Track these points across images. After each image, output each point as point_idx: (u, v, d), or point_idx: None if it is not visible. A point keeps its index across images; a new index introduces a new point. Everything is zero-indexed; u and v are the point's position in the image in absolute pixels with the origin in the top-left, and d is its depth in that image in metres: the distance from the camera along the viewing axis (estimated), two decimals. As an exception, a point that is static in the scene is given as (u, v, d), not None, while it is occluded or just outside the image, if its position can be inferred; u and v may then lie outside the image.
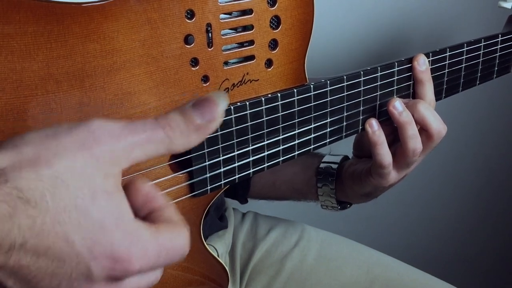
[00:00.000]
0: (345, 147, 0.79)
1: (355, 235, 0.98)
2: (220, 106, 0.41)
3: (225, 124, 0.56)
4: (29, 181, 0.36)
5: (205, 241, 0.62)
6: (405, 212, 1.47)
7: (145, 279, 0.41)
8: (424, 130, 0.69)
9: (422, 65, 0.69)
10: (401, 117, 0.67)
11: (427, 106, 0.68)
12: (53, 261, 0.37)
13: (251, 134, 0.59)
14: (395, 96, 0.69)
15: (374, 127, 0.67)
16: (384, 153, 0.68)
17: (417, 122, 0.68)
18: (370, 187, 0.74)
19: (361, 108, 0.67)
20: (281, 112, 0.60)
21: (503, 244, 1.64)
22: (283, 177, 0.87)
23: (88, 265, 0.37)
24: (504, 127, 1.43)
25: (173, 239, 0.41)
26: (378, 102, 0.68)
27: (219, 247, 0.81)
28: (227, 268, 0.65)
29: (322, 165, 0.82)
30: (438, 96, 0.75)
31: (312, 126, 0.64)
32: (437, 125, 0.69)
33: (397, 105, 0.67)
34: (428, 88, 0.71)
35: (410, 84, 0.72)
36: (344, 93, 0.65)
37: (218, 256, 0.75)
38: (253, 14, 0.56)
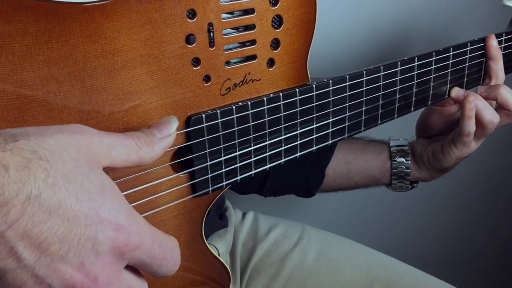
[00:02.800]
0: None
1: (355, 235, 0.98)
2: (172, 124, 0.49)
3: (226, 124, 0.56)
4: (38, 141, 0.39)
5: (206, 240, 0.61)
6: (405, 212, 1.47)
7: (149, 267, 0.43)
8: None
9: (496, 43, 0.78)
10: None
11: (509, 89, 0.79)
12: (63, 221, 0.37)
13: (253, 134, 0.59)
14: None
15: (471, 103, 0.76)
16: (472, 124, 0.76)
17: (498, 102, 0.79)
18: (452, 159, 0.82)
19: (364, 108, 0.67)
20: (283, 112, 0.60)
21: (503, 244, 1.64)
22: (356, 166, 0.91)
23: (95, 230, 0.39)
24: (504, 127, 1.42)
25: (166, 236, 0.44)
26: (380, 102, 0.68)
27: (220, 246, 0.81)
28: (228, 268, 0.65)
29: (393, 149, 0.88)
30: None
31: (315, 126, 0.63)
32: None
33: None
34: (500, 65, 0.81)
35: (413, 84, 0.71)
36: (346, 92, 0.64)
37: (219, 255, 0.75)
38: (255, 13, 0.56)
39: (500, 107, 0.80)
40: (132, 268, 0.43)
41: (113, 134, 0.44)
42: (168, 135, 0.48)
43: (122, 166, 0.44)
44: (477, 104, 0.76)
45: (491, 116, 0.77)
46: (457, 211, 1.57)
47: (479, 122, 0.77)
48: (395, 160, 0.88)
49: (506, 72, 0.84)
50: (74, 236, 0.38)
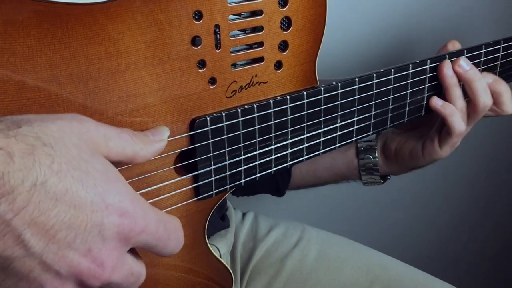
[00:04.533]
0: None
1: (355, 235, 0.97)
2: (165, 132, 0.50)
3: (232, 127, 0.55)
4: (41, 128, 0.39)
5: (208, 240, 0.61)
6: (405, 212, 1.47)
7: (154, 248, 0.44)
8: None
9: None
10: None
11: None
12: (70, 208, 0.37)
13: (258, 138, 0.58)
14: (447, 60, 0.72)
15: (439, 101, 0.72)
16: (459, 120, 0.73)
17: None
18: (431, 160, 0.79)
19: (373, 112, 0.66)
20: (290, 115, 0.59)
21: (503, 244, 1.64)
22: (323, 165, 0.90)
23: (101, 215, 0.39)
24: (504, 127, 1.42)
25: (169, 216, 0.45)
26: (390, 106, 0.67)
27: (221, 247, 0.81)
28: (231, 271, 0.64)
29: (360, 145, 0.86)
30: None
31: (322, 130, 0.62)
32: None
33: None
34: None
35: (424, 87, 0.70)
36: (355, 96, 0.63)
37: (220, 256, 0.75)
38: (263, 15, 0.55)
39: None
40: (131, 250, 0.44)
41: (108, 125, 0.44)
42: (160, 139, 0.49)
43: (117, 159, 0.44)
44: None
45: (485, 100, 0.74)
46: (457, 211, 1.57)
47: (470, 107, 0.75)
48: (362, 158, 0.86)
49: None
50: (80, 222, 0.38)
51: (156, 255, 0.45)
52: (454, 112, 0.72)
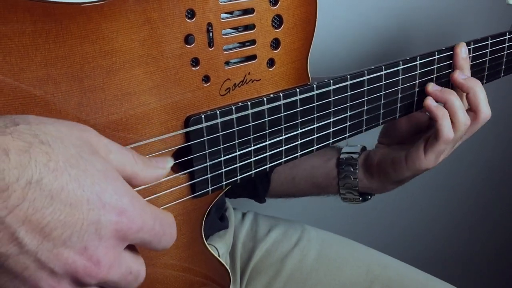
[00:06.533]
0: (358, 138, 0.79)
1: (355, 235, 0.97)
2: (169, 161, 0.49)
3: (226, 125, 0.56)
4: (39, 127, 0.39)
5: (206, 241, 0.61)
6: (405, 212, 1.47)
7: (149, 244, 0.44)
8: (471, 111, 0.73)
9: (464, 53, 0.72)
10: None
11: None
12: (65, 206, 0.37)
13: (253, 135, 0.58)
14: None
15: (434, 102, 0.70)
16: (449, 125, 0.70)
17: (470, 102, 0.73)
18: (414, 169, 0.75)
19: (365, 108, 0.67)
20: (284, 112, 0.60)
21: (503, 244, 1.64)
22: (302, 172, 0.86)
23: (98, 214, 0.39)
24: (504, 127, 1.42)
25: (164, 213, 0.45)
26: (382, 102, 0.68)
27: (220, 247, 0.81)
28: (228, 269, 0.65)
29: (342, 156, 0.83)
30: None
31: (315, 126, 0.63)
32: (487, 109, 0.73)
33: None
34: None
35: (415, 83, 0.71)
36: (347, 92, 0.64)
37: (219, 256, 0.75)
38: (254, 13, 0.56)
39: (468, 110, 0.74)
40: (129, 247, 0.43)
41: (110, 140, 0.44)
42: (163, 167, 0.47)
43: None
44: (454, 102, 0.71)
45: (465, 118, 0.71)
46: (457, 211, 1.57)
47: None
48: (342, 168, 0.82)
49: (506, 73, 0.82)
50: (76, 220, 0.38)
51: (150, 250, 0.45)
52: (446, 116, 0.70)
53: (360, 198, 0.84)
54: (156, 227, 0.43)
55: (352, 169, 0.81)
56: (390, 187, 0.81)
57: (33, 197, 0.36)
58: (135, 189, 0.51)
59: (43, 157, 0.37)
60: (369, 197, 0.85)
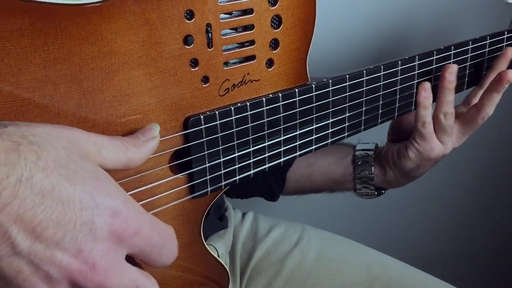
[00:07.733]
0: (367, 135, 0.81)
1: (355, 235, 0.97)
2: (155, 129, 0.49)
3: (225, 125, 0.56)
4: (28, 129, 0.38)
5: (206, 241, 0.61)
6: (405, 212, 1.47)
7: (149, 256, 0.43)
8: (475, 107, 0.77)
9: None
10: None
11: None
12: (57, 204, 0.37)
13: (252, 135, 0.58)
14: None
15: (426, 93, 0.72)
16: (428, 115, 0.73)
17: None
18: (414, 158, 0.78)
19: (364, 108, 0.67)
20: (283, 112, 0.60)
21: (503, 244, 1.64)
22: (319, 169, 0.89)
23: (91, 214, 0.38)
24: (503, 127, 1.42)
25: (163, 224, 0.44)
26: (381, 102, 0.68)
27: (219, 247, 0.80)
28: (227, 269, 0.65)
29: (358, 153, 0.86)
30: None
31: (314, 126, 0.63)
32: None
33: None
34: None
35: (414, 83, 0.71)
36: (346, 93, 0.64)
37: (218, 256, 0.75)
38: (253, 13, 0.56)
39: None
40: (138, 265, 0.43)
41: (98, 134, 0.44)
42: (152, 137, 0.48)
43: (113, 167, 0.44)
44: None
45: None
46: (457, 211, 1.57)
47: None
48: (358, 164, 0.85)
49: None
50: (69, 220, 0.37)
51: (150, 266, 0.44)
52: (429, 107, 0.73)
53: (376, 193, 0.87)
54: (154, 236, 0.42)
55: (368, 165, 0.84)
56: (403, 180, 0.84)
57: (24, 195, 0.36)
58: (136, 190, 0.52)
59: (32, 156, 0.37)
60: (383, 191, 0.88)
